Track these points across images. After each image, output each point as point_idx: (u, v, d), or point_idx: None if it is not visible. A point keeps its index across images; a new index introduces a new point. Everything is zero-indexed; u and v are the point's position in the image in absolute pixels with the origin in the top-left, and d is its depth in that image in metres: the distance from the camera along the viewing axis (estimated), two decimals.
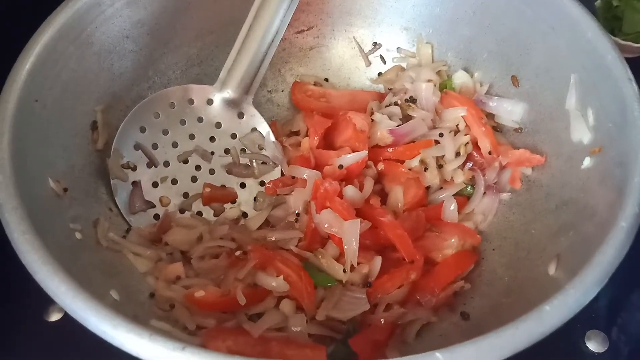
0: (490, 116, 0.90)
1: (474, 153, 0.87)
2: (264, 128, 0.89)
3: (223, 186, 0.87)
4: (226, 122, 0.88)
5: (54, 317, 0.78)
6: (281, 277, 0.73)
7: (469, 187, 0.86)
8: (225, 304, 0.73)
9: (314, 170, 0.83)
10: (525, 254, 0.75)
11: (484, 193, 0.85)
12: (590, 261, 0.57)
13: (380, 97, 0.95)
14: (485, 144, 0.86)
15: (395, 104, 0.91)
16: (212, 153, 0.87)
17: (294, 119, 0.96)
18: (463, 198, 0.86)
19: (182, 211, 0.85)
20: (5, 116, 0.66)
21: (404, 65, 0.99)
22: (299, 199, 0.82)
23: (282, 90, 1.00)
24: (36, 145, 0.69)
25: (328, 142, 0.90)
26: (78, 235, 0.70)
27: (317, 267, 0.76)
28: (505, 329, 0.51)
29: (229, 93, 0.87)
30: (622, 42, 1.03)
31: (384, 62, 1.00)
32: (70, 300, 0.54)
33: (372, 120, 0.88)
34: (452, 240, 0.80)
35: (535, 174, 0.83)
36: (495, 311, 0.71)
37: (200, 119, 0.87)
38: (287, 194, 0.84)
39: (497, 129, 0.90)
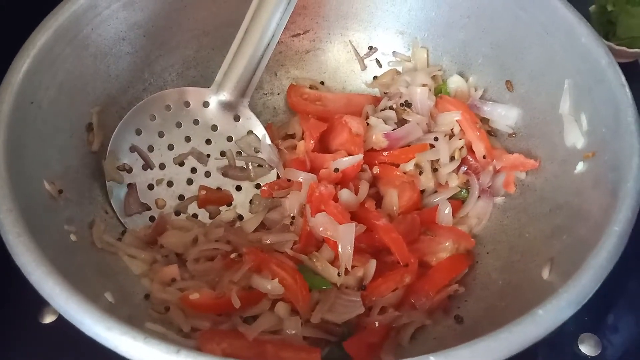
0: (484, 120, 0.90)
1: (469, 157, 0.88)
2: (259, 131, 0.89)
3: (219, 189, 0.87)
4: (222, 125, 0.88)
5: (48, 319, 0.77)
6: (276, 280, 0.73)
7: (464, 191, 0.87)
8: (220, 307, 0.73)
9: (310, 174, 0.83)
10: (519, 258, 0.76)
11: (479, 197, 0.85)
12: (583, 265, 0.57)
13: (376, 100, 0.96)
14: (479, 148, 0.86)
15: (391, 108, 0.91)
16: (208, 155, 0.87)
17: (289, 122, 0.96)
18: (457, 202, 0.86)
19: (177, 213, 0.85)
20: (0, 117, 0.66)
21: (399, 69, 0.99)
22: (295, 202, 0.82)
23: (278, 94, 1.00)
24: (31, 147, 0.69)
25: (323, 145, 0.90)
26: (73, 237, 0.70)
27: (312, 270, 0.76)
28: (499, 332, 0.52)
29: (225, 96, 0.87)
30: (616, 47, 1.03)
31: (380, 66, 1.00)
32: (64, 302, 0.54)
33: (368, 124, 0.88)
34: (447, 243, 0.80)
35: (529, 178, 0.84)
36: (489, 314, 0.72)
37: (196, 122, 0.87)
38: (282, 197, 0.84)
39: (492, 133, 0.90)
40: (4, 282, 0.77)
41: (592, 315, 0.80)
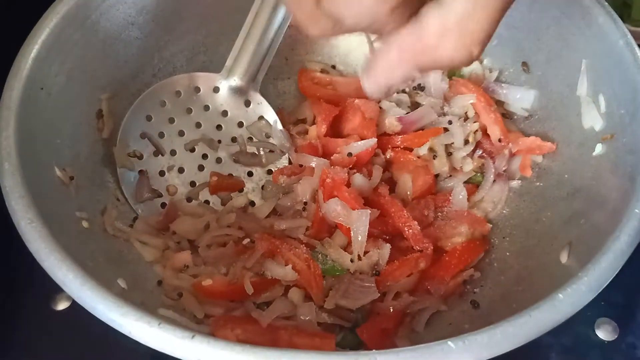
0: (499, 103, 0.89)
1: (484, 140, 0.86)
2: (271, 116, 0.88)
3: (230, 175, 0.87)
4: (233, 110, 0.87)
5: (62, 305, 0.77)
6: (289, 265, 0.73)
7: (479, 175, 0.85)
8: (233, 293, 0.72)
9: (322, 159, 0.82)
10: (536, 242, 0.75)
11: (494, 181, 0.84)
12: (603, 249, 0.56)
13: None
14: (494, 132, 0.85)
15: (404, 91, 0.90)
16: (219, 141, 0.87)
17: (300, 106, 0.95)
18: (472, 186, 0.85)
19: (189, 200, 0.84)
20: (10, 104, 0.65)
21: None
22: (307, 188, 0.81)
23: (289, 78, 0.98)
24: (42, 134, 0.69)
25: (335, 130, 0.89)
26: (85, 224, 0.70)
27: (325, 256, 0.76)
28: (518, 317, 0.51)
29: (235, 81, 0.86)
30: (632, 29, 1.01)
31: None
32: (78, 289, 0.53)
33: (380, 108, 0.87)
34: (462, 228, 0.79)
35: (546, 161, 0.82)
36: (505, 299, 0.71)
37: (206, 107, 0.87)
38: (294, 183, 0.83)
39: (507, 116, 0.89)
40: (16, 268, 0.78)
41: (609, 300, 0.79)
